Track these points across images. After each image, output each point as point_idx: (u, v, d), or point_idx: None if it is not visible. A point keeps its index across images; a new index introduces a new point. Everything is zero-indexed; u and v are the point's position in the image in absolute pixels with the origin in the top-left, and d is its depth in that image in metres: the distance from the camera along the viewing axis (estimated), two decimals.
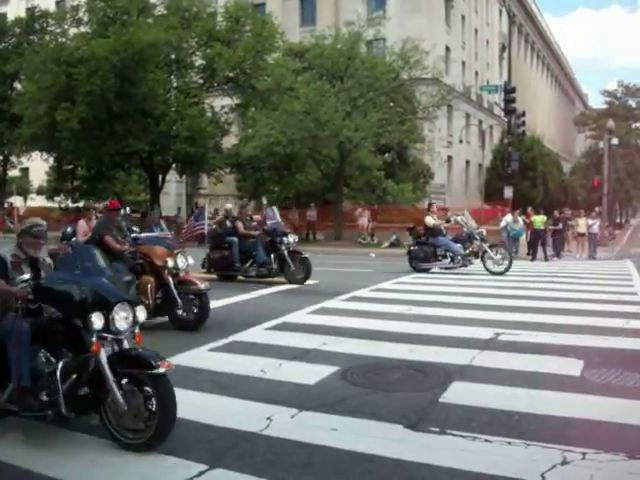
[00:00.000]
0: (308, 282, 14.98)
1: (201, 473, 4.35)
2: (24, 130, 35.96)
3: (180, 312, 9.68)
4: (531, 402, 5.81)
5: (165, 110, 33.63)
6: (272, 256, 15.15)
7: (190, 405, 5.74)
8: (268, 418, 5.36)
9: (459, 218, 19.32)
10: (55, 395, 4.82)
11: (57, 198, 49.64)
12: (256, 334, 9.13)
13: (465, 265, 17.93)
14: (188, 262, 10.03)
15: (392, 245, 30.48)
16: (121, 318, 4.89)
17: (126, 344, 4.99)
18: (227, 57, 34.87)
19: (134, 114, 33.05)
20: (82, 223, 12.32)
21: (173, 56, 37.38)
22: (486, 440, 4.90)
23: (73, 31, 38.53)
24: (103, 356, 4.78)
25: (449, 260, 17.96)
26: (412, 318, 10.38)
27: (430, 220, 18.29)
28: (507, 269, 17.53)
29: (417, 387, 6.45)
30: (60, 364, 4.87)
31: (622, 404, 5.81)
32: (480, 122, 56.21)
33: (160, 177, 39.17)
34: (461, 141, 48.15)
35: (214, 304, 11.65)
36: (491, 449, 4.76)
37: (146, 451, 4.66)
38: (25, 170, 58.99)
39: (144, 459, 4.61)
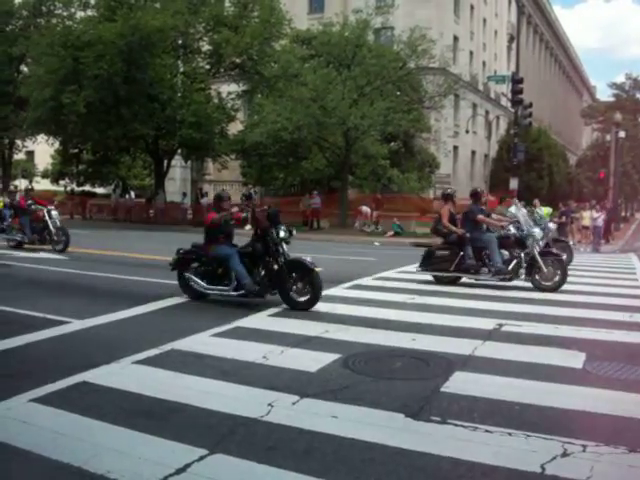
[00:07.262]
0: None
1: (201, 458, 4.36)
2: (30, 113, 35.92)
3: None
4: (532, 393, 5.80)
5: (171, 95, 33.59)
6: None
7: (191, 390, 5.77)
8: (269, 404, 5.35)
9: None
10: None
11: (62, 181, 49.74)
12: (259, 320, 9.14)
13: None
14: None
15: (397, 234, 30.54)
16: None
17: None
18: (234, 43, 34.77)
19: (140, 99, 33.01)
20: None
21: (180, 41, 37.32)
22: (487, 430, 4.89)
23: (80, 14, 38.44)
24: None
25: None
26: (415, 307, 10.38)
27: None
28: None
29: (419, 376, 6.45)
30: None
31: (623, 397, 5.80)
32: (487, 112, 56.04)
33: (165, 162, 39.21)
34: (467, 131, 47.99)
35: None
36: (492, 439, 4.75)
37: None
38: (30, 153, 59.14)
39: (146, 443, 4.62)
